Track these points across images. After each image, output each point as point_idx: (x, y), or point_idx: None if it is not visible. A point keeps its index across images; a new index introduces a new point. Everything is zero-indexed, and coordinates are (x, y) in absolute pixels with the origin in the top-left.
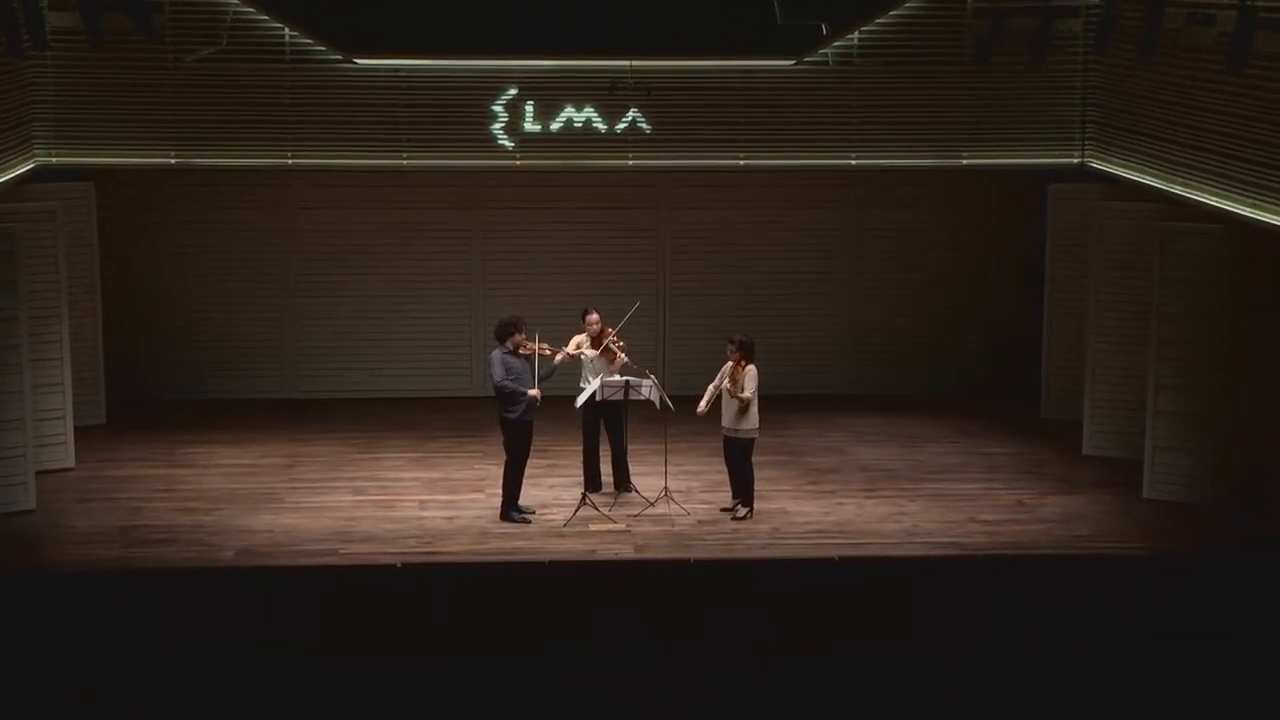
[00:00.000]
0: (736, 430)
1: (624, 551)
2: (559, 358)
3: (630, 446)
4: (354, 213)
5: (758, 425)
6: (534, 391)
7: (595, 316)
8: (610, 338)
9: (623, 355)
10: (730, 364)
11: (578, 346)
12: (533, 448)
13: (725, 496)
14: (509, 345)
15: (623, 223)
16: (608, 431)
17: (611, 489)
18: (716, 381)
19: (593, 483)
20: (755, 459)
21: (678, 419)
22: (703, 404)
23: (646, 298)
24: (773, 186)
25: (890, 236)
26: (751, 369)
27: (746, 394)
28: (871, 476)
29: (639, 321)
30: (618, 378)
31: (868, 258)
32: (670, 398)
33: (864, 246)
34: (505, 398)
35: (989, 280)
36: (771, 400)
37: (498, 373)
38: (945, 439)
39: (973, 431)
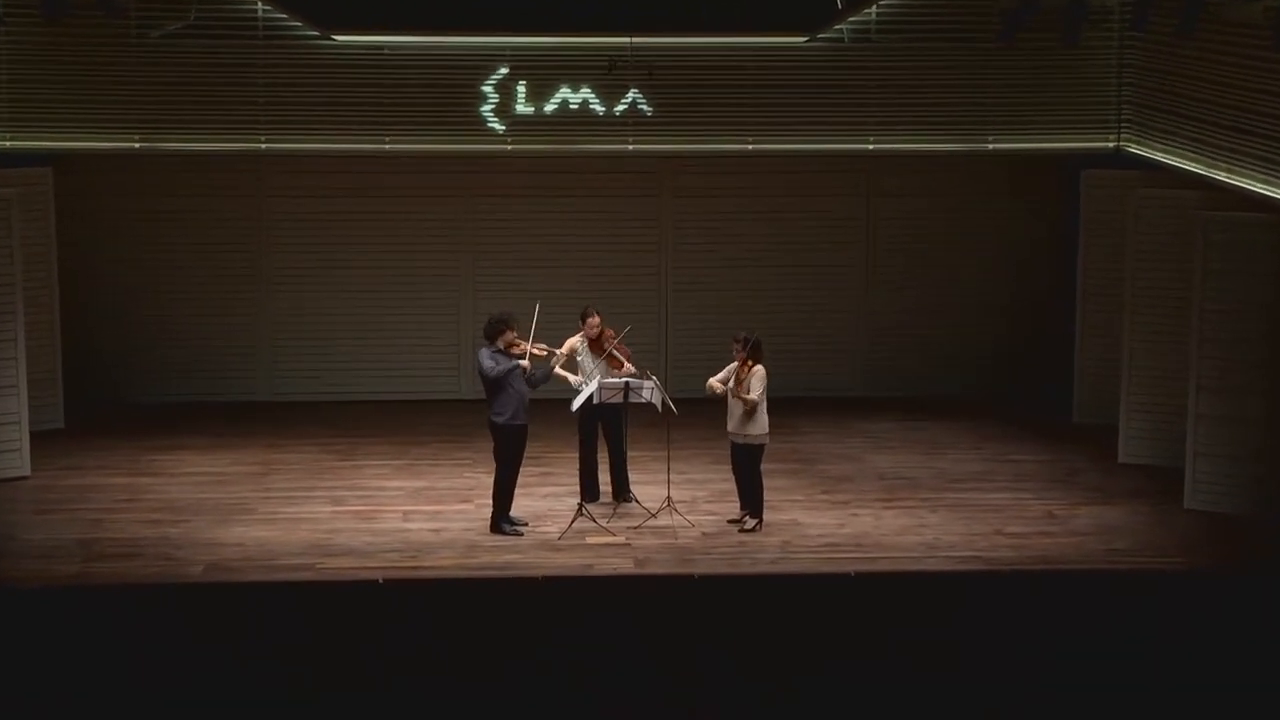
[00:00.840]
0: (744, 436)
1: (623, 566)
2: (555, 359)
3: (630, 453)
4: (333, 201)
5: (767, 430)
6: (523, 362)
7: (596, 319)
8: (612, 342)
9: (628, 364)
10: (736, 364)
11: (571, 349)
12: (525, 454)
13: (732, 507)
14: (499, 344)
15: (622, 212)
16: (606, 437)
17: (610, 498)
18: (724, 375)
19: (589, 492)
20: (764, 466)
21: (681, 423)
22: (716, 380)
23: (647, 291)
24: (783, 173)
25: (909, 227)
26: (759, 370)
27: (752, 396)
28: (889, 485)
29: (640, 319)
30: (616, 379)
31: (885, 250)
32: (673, 400)
33: (881, 238)
34: (495, 391)
35: (1016, 274)
36: (782, 404)
37: (486, 363)
38: (969, 445)
39: (999, 437)
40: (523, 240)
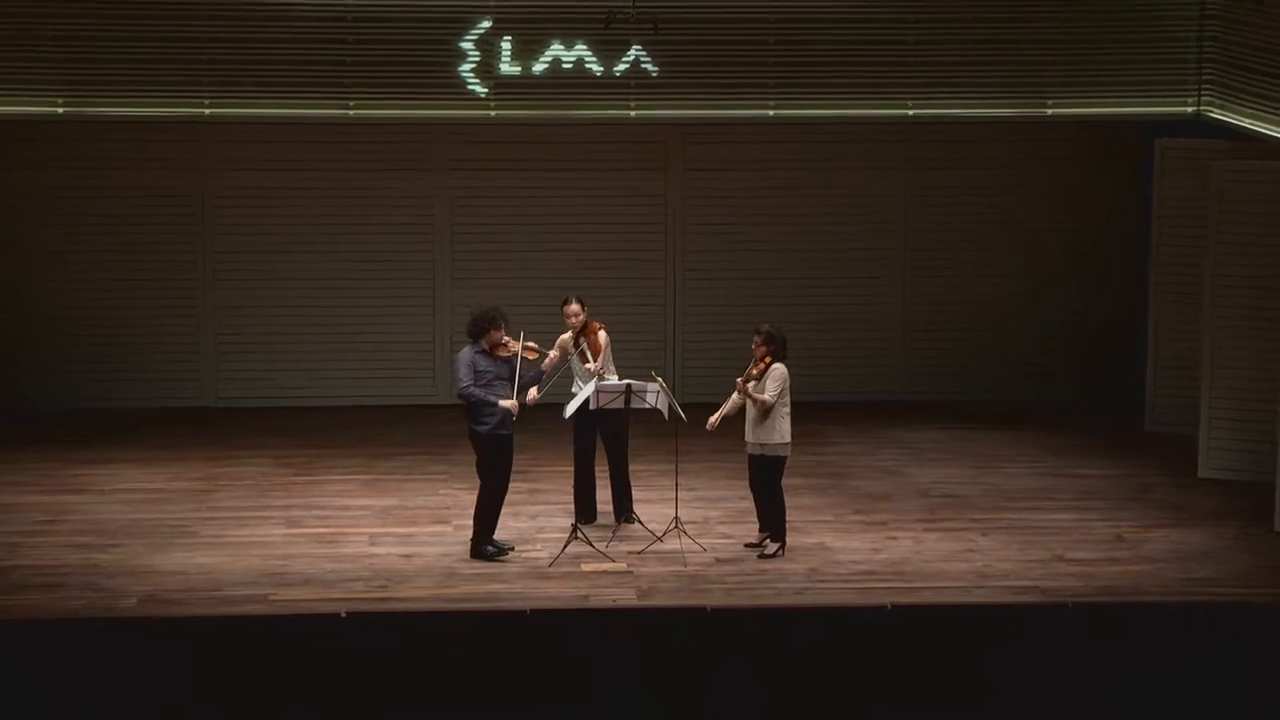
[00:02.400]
0: (762, 446)
1: (624, 597)
2: (548, 361)
3: (631, 467)
4: (288, 177)
5: (788, 440)
6: (508, 402)
7: (575, 307)
8: (589, 336)
9: (595, 364)
10: (754, 362)
11: (563, 348)
12: (512, 468)
13: (750, 529)
14: (483, 344)
15: (623, 188)
16: (606, 447)
17: (610, 518)
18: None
19: (586, 511)
20: (786, 482)
21: (691, 431)
22: (715, 417)
23: (653, 280)
24: (810, 143)
25: (955, 206)
26: (779, 368)
27: (767, 395)
28: (933, 504)
29: (645, 312)
30: (616, 380)
31: (927, 232)
32: (682, 406)
33: (923, 218)
34: (472, 407)
35: (1079, 261)
36: (808, 409)
37: (463, 376)
38: (1025, 458)
39: (1060, 448)
40: (508, 221)
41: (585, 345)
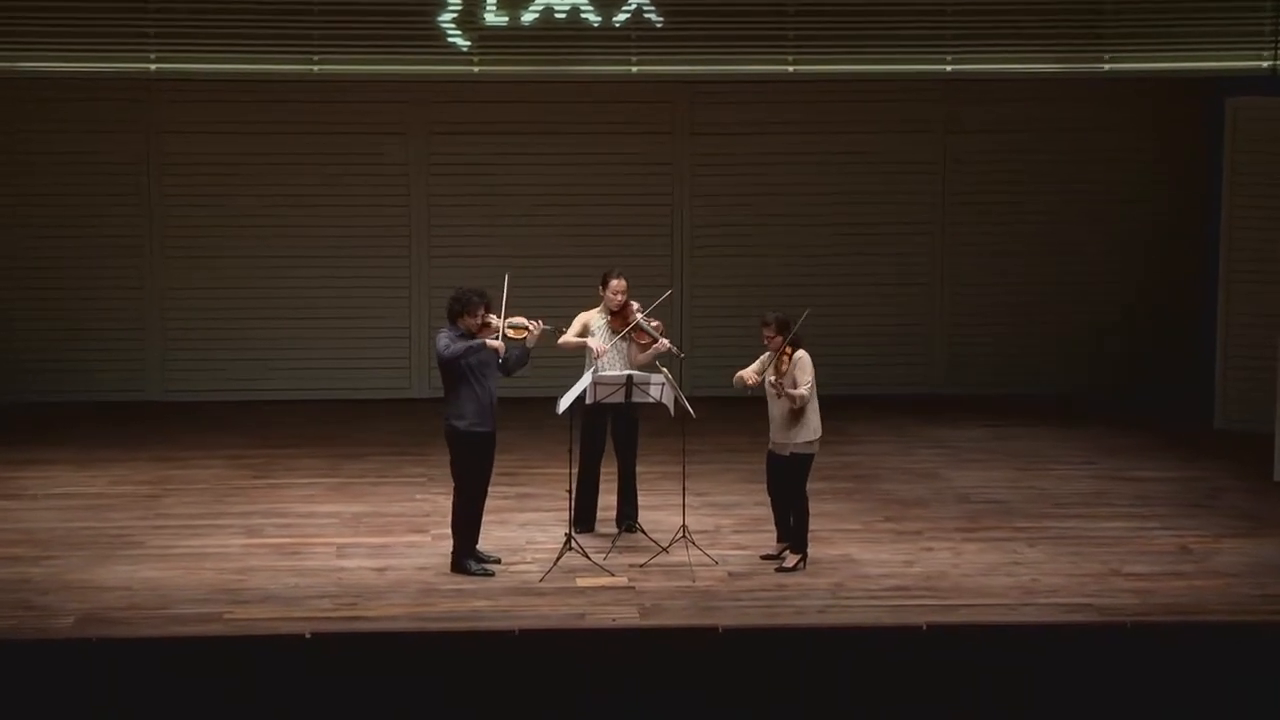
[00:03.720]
0: (787, 444)
1: (626, 616)
2: (532, 337)
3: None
4: (245, 141)
5: (818, 435)
6: (495, 343)
7: (622, 283)
8: (639, 316)
9: (661, 338)
10: (770, 354)
11: (584, 327)
12: (496, 468)
13: (767, 539)
14: (461, 328)
15: (624, 154)
16: (616, 448)
17: (609, 527)
18: (757, 368)
19: (585, 520)
20: (811, 485)
21: (700, 428)
22: (749, 371)
23: (657, 258)
24: (834, 104)
25: (999, 175)
26: (804, 356)
27: (803, 389)
28: (973, 511)
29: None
30: (617, 372)
31: (968, 205)
32: (690, 400)
33: (961, 188)
34: (453, 385)
35: (1140, 237)
36: (832, 404)
37: (441, 346)
38: (1077, 458)
39: (1116, 448)
40: (494, 193)
41: (643, 322)
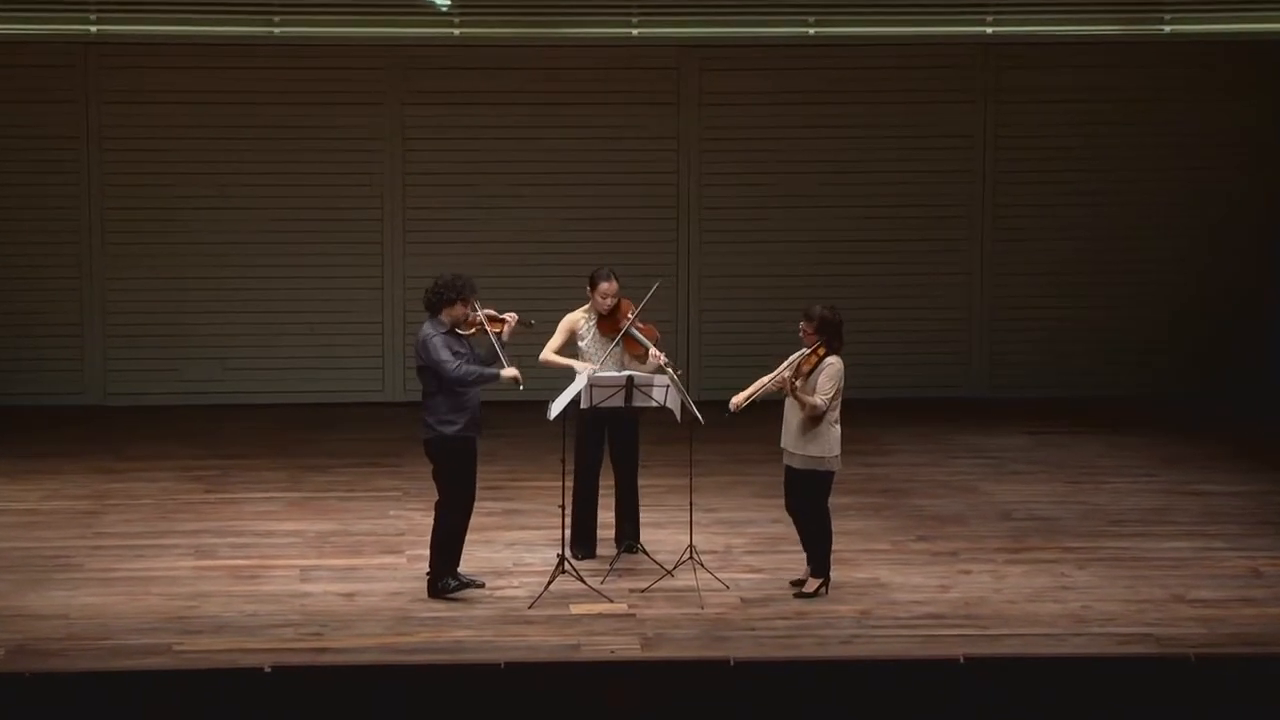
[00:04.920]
0: (806, 458)
1: (625, 647)
2: (506, 329)
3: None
4: (196, 113)
5: (838, 451)
6: (513, 371)
7: (613, 285)
8: (631, 320)
9: (654, 350)
10: (803, 351)
11: (570, 330)
12: (480, 480)
13: (784, 560)
14: (445, 320)
15: (623, 127)
16: (614, 459)
17: (607, 546)
18: (778, 372)
19: (582, 540)
20: (834, 500)
21: (710, 435)
22: (741, 396)
23: (661, 244)
24: (861, 71)
25: (1048, 151)
26: (833, 363)
27: (819, 398)
28: (1018, 529)
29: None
30: (618, 373)
31: (1012, 185)
32: (698, 404)
33: (1006, 167)
34: (435, 397)
35: (1205, 219)
36: (860, 409)
37: (447, 357)
38: (1134, 470)
39: (1178, 458)
40: (477, 171)
41: (635, 332)
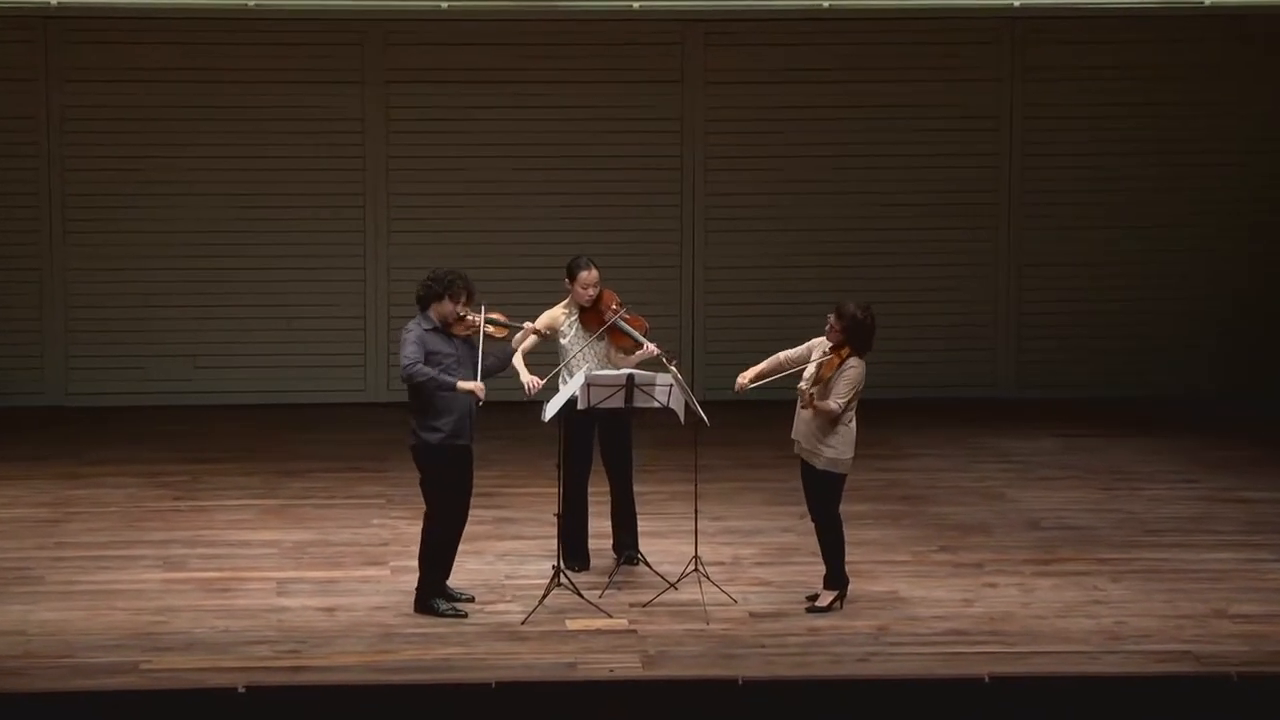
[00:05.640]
0: (812, 452)
1: (625, 665)
2: (519, 337)
3: (635, 488)
4: (165, 91)
5: (850, 455)
6: (470, 384)
7: (593, 274)
8: (617, 312)
9: (647, 343)
10: (823, 348)
11: (550, 326)
12: (472, 490)
13: (797, 573)
14: (434, 317)
15: (623, 108)
16: (607, 464)
17: (606, 558)
18: (795, 353)
19: (576, 555)
20: (847, 508)
21: (716, 438)
22: (750, 374)
23: (663, 234)
24: (879, 47)
25: (1080, 132)
26: (856, 366)
27: (834, 402)
28: (1047, 539)
29: (652, 280)
30: (616, 371)
31: (1042, 169)
32: (704, 405)
33: (1036, 149)
34: (419, 399)
35: (1249, 206)
36: (877, 409)
37: (410, 352)
38: (1172, 475)
39: (1219, 463)
40: (466, 155)
41: (622, 323)
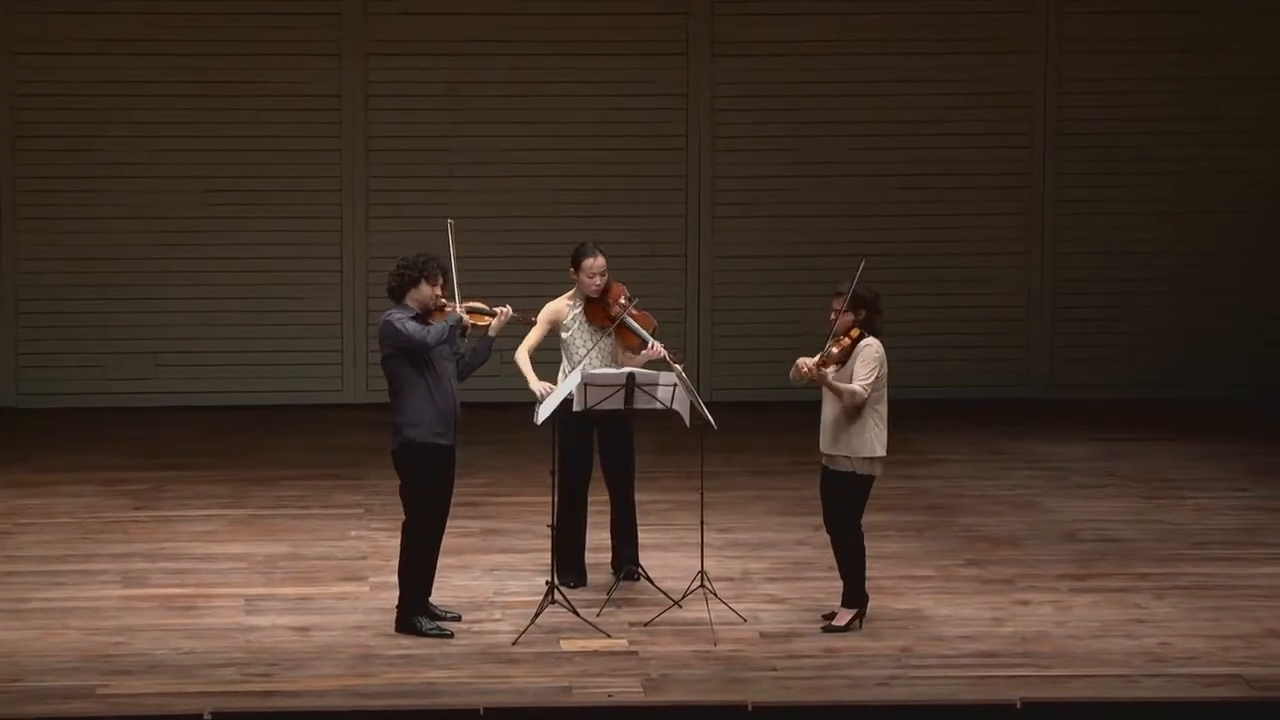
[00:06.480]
0: (839, 454)
1: (625, 689)
2: (497, 323)
3: (637, 497)
4: (125, 64)
5: (882, 452)
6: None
7: (600, 261)
8: (625, 305)
9: (654, 342)
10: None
11: (552, 320)
12: (455, 496)
13: (816, 589)
14: (412, 305)
15: (624, 83)
16: (606, 472)
17: (604, 573)
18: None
19: (572, 570)
20: (869, 517)
21: (723, 442)
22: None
23: (668, 219)
24: (900, 16)
25: (1120, 110)
26: (871, 345)
27: (856, 383)
28: (1083, 552)
29: (656, 269)
30: (616, 370)
31: (1079, 148)
32: (710, 406)
33: (1072, 127)
34: (400, 397)
35: None
36: (899, 411)
37: (412, 329)
38: (1219, 484)
39: (1271, 470)
40: (452, 134)
41: (629, 320)
